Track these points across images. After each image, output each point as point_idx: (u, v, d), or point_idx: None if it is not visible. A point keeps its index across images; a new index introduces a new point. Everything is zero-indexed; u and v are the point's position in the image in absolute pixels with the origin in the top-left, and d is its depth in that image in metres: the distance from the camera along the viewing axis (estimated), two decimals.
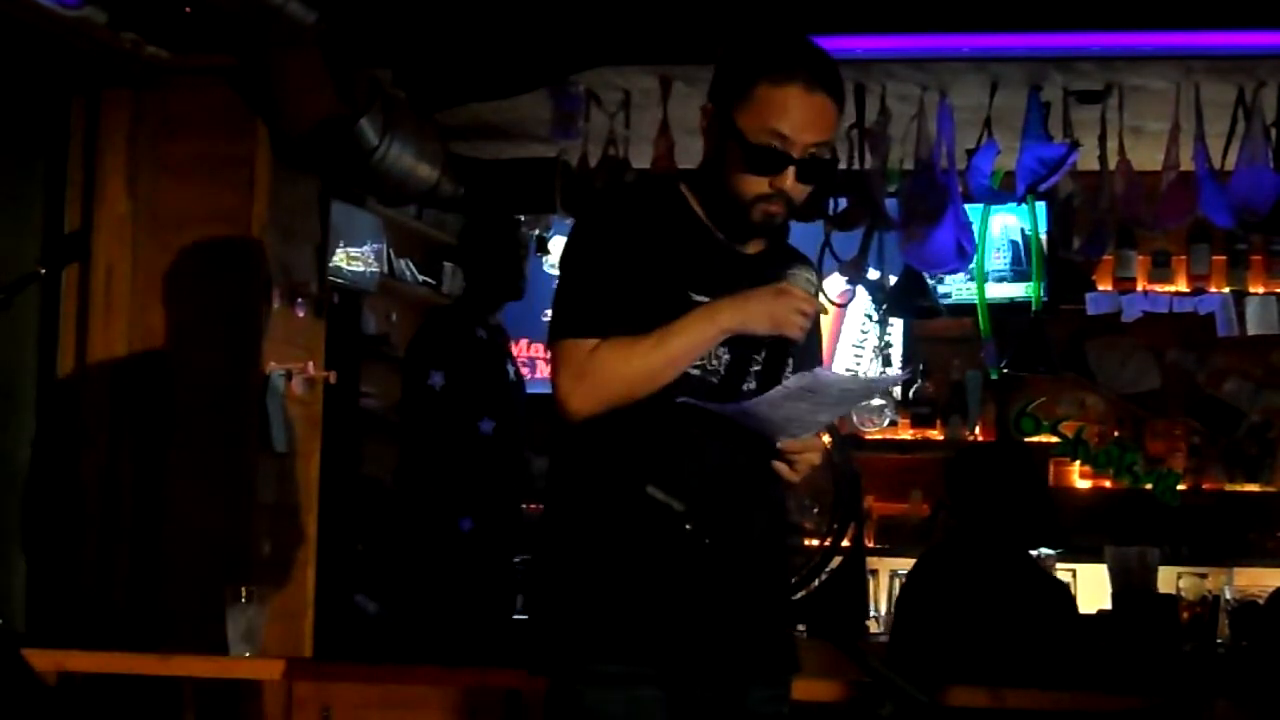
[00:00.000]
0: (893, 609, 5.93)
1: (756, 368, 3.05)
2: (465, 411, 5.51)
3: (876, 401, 6.63)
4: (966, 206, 5.67)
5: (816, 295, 3.08)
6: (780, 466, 3.04)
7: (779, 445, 3.00)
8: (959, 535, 4.79)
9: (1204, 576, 6.04)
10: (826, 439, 5.72)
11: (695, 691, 2.97)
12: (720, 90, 3.03)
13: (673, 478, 2.95)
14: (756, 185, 3.00)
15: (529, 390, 5.96)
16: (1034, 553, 5.05)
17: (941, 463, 7.31)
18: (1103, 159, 5.60)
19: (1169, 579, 5.78)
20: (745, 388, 3.02)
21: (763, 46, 3.04)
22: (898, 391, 7.22)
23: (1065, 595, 4.77)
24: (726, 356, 3.03)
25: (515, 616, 5.61)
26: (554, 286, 3.15)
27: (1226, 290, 6.81)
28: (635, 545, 2.95)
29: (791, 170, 2.99)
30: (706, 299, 2.99)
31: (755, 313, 2.99)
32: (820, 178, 3.05)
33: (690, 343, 2.97)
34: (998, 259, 6.76)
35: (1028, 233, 6.50)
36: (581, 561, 2.97)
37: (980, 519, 4.63)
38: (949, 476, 4.83)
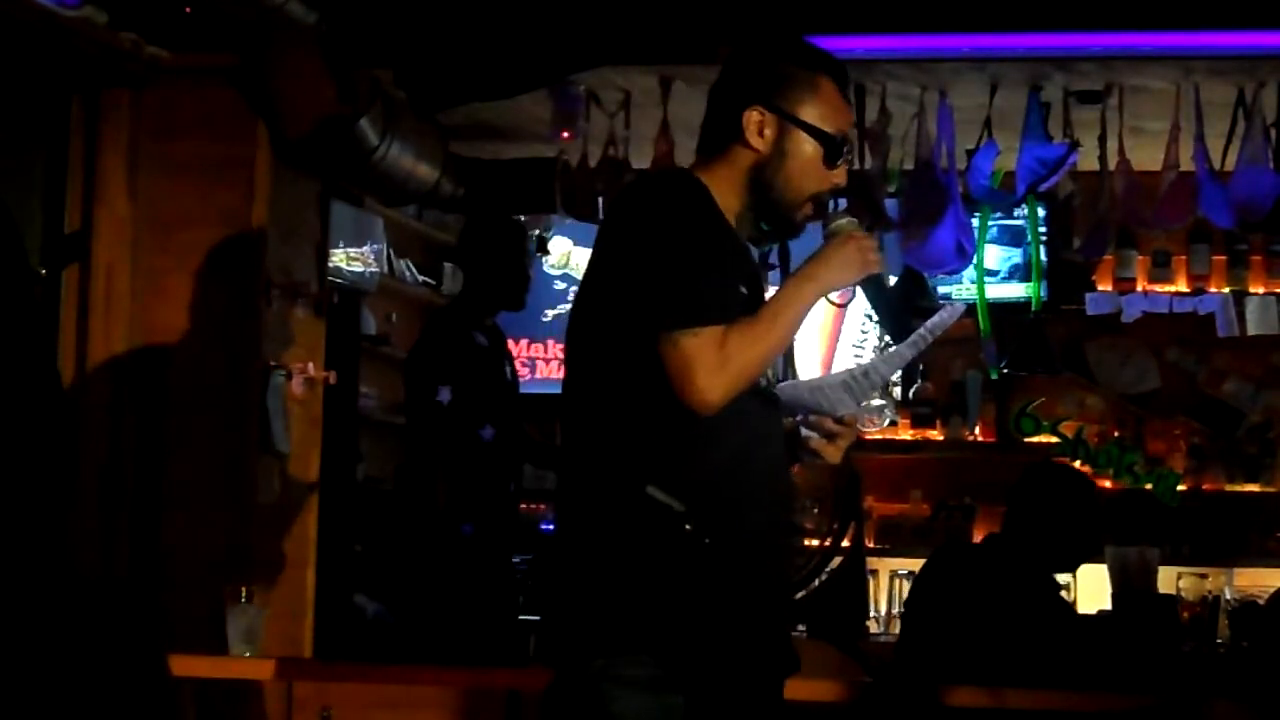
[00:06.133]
0: (901, 607, 5.95)
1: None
2: (469, 421, 5.53)
3: (876, 401, 6.62)
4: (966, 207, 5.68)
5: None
6: (820, 444, 3.10)
7: (844, 415, 3.10)
8: (994, 539, 4.85)
9: (1204, 576, 6.04)
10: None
11: (715, 697, 2.95)
12: (775, 88, 3.07)
13: (704, 475, 2.94)
14: (821, 180, 3.09)
15: (525, 390, 5.98)
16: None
17: (941, 463, 7.34)
18: (1103, 159, 5.60)
19: (1169, 579, 5.78)
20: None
21: (809, 45, 3.14)
22: (898, 392, 7.22)
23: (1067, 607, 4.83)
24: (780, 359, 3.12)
25: (521, 617, 5.62)
26: (590, 280, 3.03)
27: (1226, 290, 6.81)
28: (659, 547, 2.92)
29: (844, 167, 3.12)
30: (747, 292, 3.03)
31: (840, 265, 3.05)
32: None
33: (798, 311, 3.02)
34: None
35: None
36: (613, 561, 2.93)
37: (1035, 535, 4.69)
38: (1021, 488, 4.84)
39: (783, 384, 3.07)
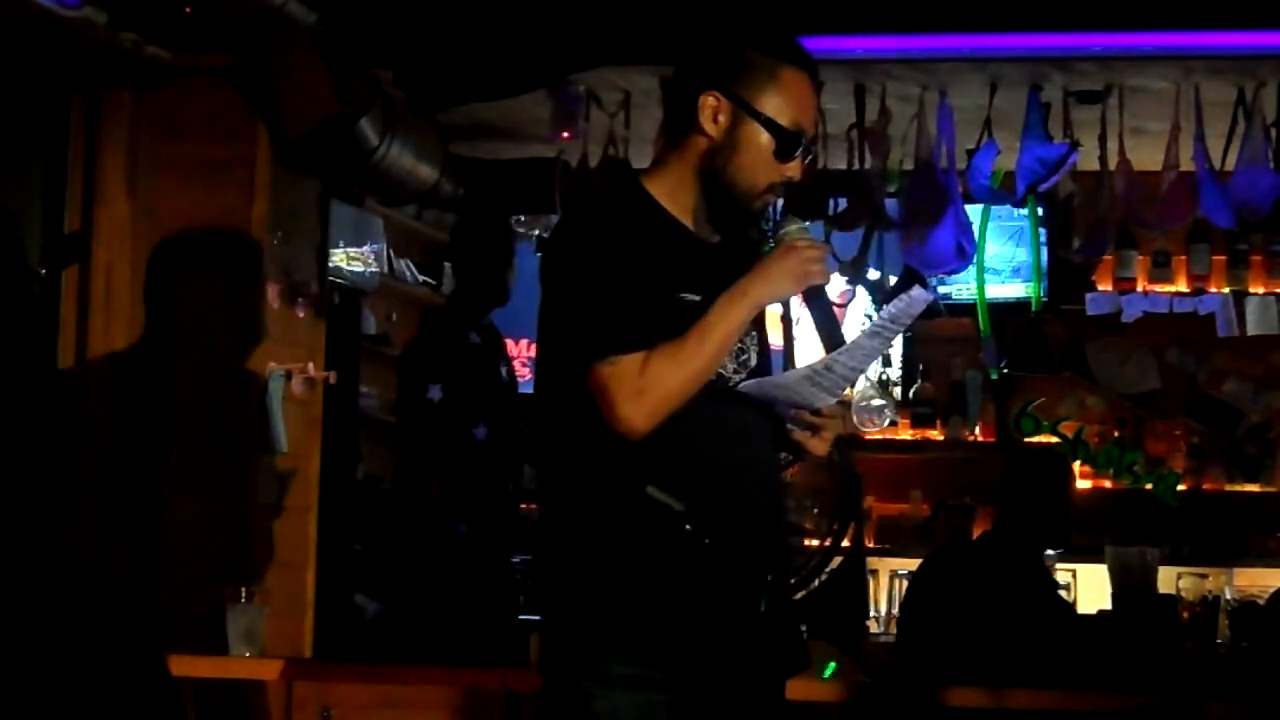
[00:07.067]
0: (899, 606, 5.95)
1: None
2: (461, 420, 5.53)
3: (876, 401, 6.61)
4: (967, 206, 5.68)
5: (813, 237, 3.09)
6: (803, 436, 3.04)
7: (822, 408, 3.00)
8: (987, 535, 4.89)
9: (1204, 576, 6.04)
10: None
11: (701, 695, 2.95)
12: (733, 75, 3.00)
13: (687, 476, 2.92)
14: (774, 172, 3.01)
15: (523, 390, 5.98)
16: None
17: (941, 463, 7.34)
18: (1103, 159, 5.60)
19: (1169, 579, 5.78)
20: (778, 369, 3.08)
21: (777, 34, 3.06)
22: (898, 392, 7.22)
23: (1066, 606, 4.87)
24: (755, 348, 3.06)
25: (521, 616, 5.61)
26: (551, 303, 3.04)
27: (1226, 290, 6.81)
28: (647, 546, 2.92)
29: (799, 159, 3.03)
30: (697, 298, 2.96)
31: (778, 277, 2.98)
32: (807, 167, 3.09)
33: (730, 329, 2.95)
34: None
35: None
36: (593, 562, 2.94)
37: (1021, 522, 4.80)
38: (1005, 479, 4.92)
39: (747, 382, 3.00)
